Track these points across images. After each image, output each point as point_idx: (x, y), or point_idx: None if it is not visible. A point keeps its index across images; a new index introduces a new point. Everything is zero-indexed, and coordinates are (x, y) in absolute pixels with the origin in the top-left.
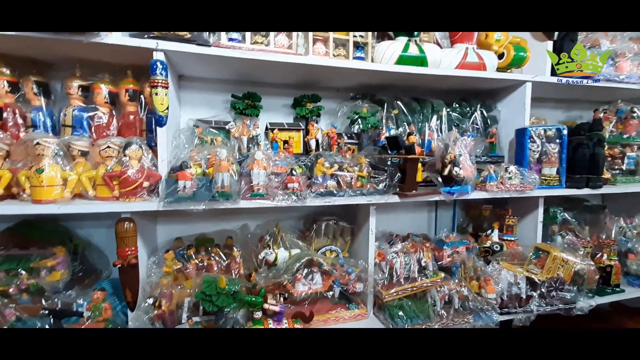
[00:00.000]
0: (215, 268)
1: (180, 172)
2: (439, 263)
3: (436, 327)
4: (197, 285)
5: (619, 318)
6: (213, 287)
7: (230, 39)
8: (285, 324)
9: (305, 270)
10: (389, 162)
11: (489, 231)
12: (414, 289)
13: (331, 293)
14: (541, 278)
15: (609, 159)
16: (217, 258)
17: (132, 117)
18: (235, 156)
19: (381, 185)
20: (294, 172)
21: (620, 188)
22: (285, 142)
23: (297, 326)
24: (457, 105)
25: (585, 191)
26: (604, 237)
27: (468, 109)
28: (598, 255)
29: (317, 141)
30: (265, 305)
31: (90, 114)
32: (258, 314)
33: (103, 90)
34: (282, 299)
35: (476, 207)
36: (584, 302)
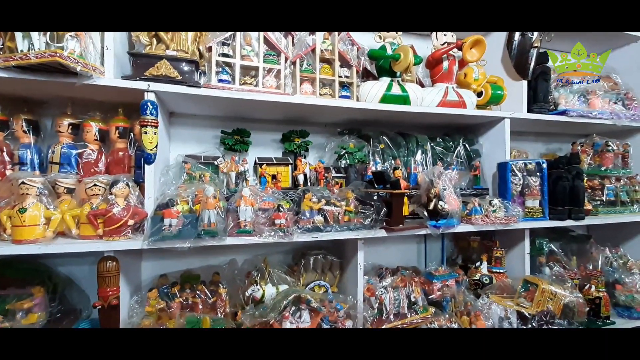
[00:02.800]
0: (201, 306)
1: (166, 210)
2: (429, 297)
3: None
4: (180, 326)
5: None
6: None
7: (220, 80)
8: None
9: (293, 308)
10: (375, 197)
11: (478, 263)
12: (404, 325)
13: None
14: (531, 312)
15: (589, 190)
16: (202, 296)
17: (121, 153)
18: (223, 192)
19: (368, 220)
20: (281, 207)
21: (603, 219)
22: (274, 176)
23: None
24: (440, 140)
25: (568, 222)
26: (590, 267)
27: (451, 143)
28: (586, 287)
29: (305, 176)
30: None
31: (79, 150)
32: None
33: (93, 127)
34: None
35: (464, 238)
36: None
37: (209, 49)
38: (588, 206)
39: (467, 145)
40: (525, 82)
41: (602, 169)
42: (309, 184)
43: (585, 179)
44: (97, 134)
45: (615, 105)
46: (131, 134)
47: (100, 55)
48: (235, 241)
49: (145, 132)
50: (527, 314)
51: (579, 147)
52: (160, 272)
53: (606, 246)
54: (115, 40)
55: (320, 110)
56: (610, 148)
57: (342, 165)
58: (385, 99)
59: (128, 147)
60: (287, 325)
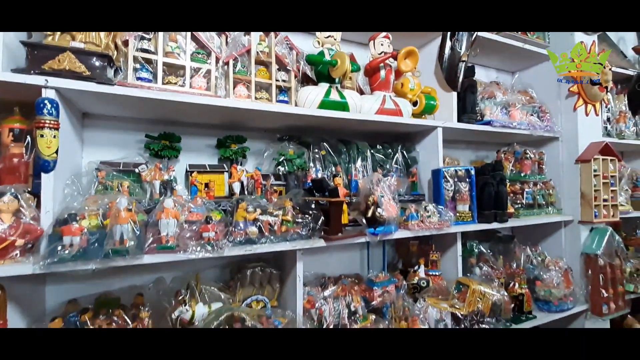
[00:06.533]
0: None
1: (65, 227)
2: (371, 304)
3: None
4: None
5: None
6: None
7: (139, 78)
8: None
9: (226, 328)
10: (313, 206)
11: (416, 267)
12: None
13: None
14: (463, 312)
15: (511, 195)
16: (120, 322)
17: (15, 160)
18: (144, 204)
19: (306, 230)
20: (209, 219)
21: (523, 221)
22: (207, 185)
23: None
24: (380, 147)
25: (495, 225)
26: (514, 266)
27: (390, 150)
28: (511, 285)
29: (242, 184)
30: None
31: None
32: None
33: None
34: None
35: (404, 244)
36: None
37: (126, 43)
38: (511, 209)
39: (405, 153)
40: (455, 94)
41: (522, 174)
42: (246, 192)
43: (508, 184)
44: None
45: (532, 117)
46: (28, 137)
47: None
48: (154, 259)
49: (42, 135)
50: (459, 314)
51: (503, 155)
52: (70, 297)
53: (527, 245)
54: None
55: (257, 115)
56: (528, 156)
57: (281, 173)
58: (323, 105)
59: (25, 153)
60: None
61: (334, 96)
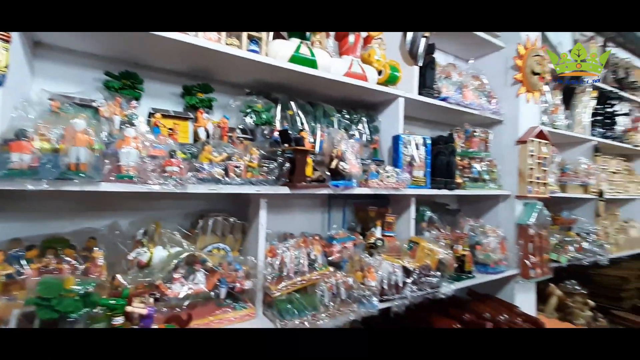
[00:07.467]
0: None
1: (14, 143)
2: (329, 259)
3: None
4: (33, 293)
5: (474, 303)
6: (54, 289)
7: None
8: None
9: (186, 268)
10: (279, 154)
11: (373, 229)
12: (303, 282)
13: (216, 293)
14: (413, 266)
15: (461, 167)
16: (70, 261)
17: None
18: (103, 137)
19: (270, 176)
20: (173, 153)
21: (469, 191)
22: (171, 130)
23: None
24: (345, 113)
25: (444, 192)
26: (459, 232)
27: (355, 115)
28: (455, 247)
29: (207, 132)
30: (129, 308)
31: None
32: (118, 320)
33: None
34: (152, 301)
35: (364, 209)
36: (446, 286)
37: None
38: (459, 180)
39: (368, 121)
40: (416, 69)
41: (470, 151)
42: (211, 140)
43: (459, 159)
44: None
45: (482, 100)
46: None
47: None
48: (112, 188)
49: None
50: (410, 267)
51: (455, 133)
52: (13, 237)
53: (471, 218)
54: None
55: (227, 61)
56: (476, 134)
57: (248, 124)
58: (294, 60)
59: None
60: (176, 287)
61: (305, 51)
